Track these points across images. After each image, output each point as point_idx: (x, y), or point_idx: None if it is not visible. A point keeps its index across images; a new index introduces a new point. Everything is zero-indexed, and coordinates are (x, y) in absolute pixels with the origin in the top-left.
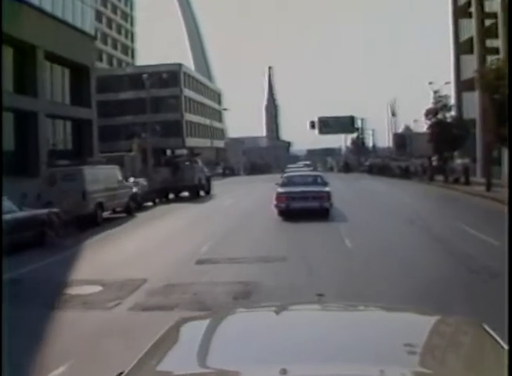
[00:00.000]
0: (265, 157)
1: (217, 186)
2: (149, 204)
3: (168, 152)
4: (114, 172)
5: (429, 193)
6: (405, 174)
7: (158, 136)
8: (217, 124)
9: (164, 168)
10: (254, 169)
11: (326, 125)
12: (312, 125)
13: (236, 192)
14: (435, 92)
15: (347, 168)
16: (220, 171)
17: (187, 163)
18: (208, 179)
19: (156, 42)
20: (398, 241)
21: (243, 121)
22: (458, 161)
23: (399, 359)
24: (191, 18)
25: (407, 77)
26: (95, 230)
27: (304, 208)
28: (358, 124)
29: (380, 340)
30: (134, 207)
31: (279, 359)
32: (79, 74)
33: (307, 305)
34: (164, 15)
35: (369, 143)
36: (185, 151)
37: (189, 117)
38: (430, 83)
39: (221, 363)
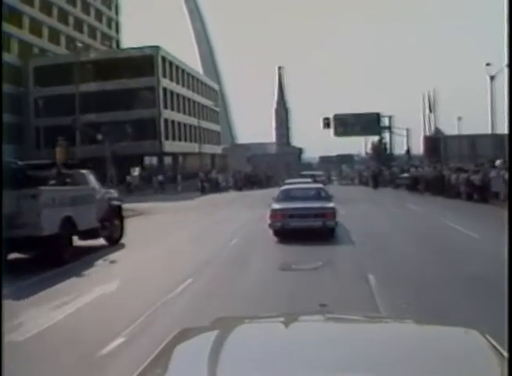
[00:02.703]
0: (274, 165)
1: (167, 212)
2: None
3: (148, 159)
4: None
5: None
6: (480, 192)
7: (129, 139)
8: (211, 126)
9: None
10: (250, 182)
11: (344, 124)
12: (327, 124)
13: (180, 236)
14: (492, 78)
15: (375, 181)
16: (199, 185)
17: (51, 183)
18: (116, 213)
19: (163, 43)
20: None
21: (251, 125)
22: None
23: (402, 370)
24: (198, 17)
25: (441, 67)
26: None
27: (304, 228)
28: (385, 123)
29: (383, 351)
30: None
31: (283, 371)
32: None
33: (310, 316)
34: (170, 15)
35: (395, 148)
36: (153, 159)
37: (169, 114)
38: (488, 64)
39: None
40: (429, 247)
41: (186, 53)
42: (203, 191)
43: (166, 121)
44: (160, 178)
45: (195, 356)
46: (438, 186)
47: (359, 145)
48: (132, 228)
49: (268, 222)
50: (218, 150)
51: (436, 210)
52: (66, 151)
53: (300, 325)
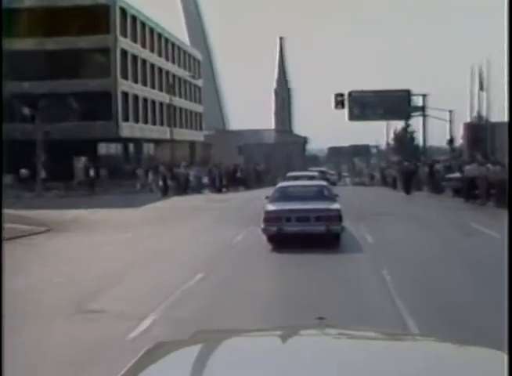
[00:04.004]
0: (272, 157)
1: (82, 230)
2: None
3: (105, 147)
4: None
5: None
6: None
7: (74, 119)
8: (190, 106)
9: None
10: (235, 179)
11: (362, 105)
12: (340, 102)
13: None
14: None
15: (408, 182)
16: (160, 183)
17: None
18: None
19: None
20: None
21: (244, 108)
22: None
23: None
24: None
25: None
26: None
27: (304, 233)
28: (417, 102)
29: (391, 373)
30: None
31: None
32: None
33: (305, 330)
34: None
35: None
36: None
37: (129, 87)
38: None
39: None
40: None
41: (169, 17)
42: (165, 192)
43: (125, 95)
44: (104, 172)
45: (169, 374)
46: (504, 193)
47: (379, 133)
48: None
49: (262, 226)
50: (199, 136)
51: None
52: None
53: (292, 341)
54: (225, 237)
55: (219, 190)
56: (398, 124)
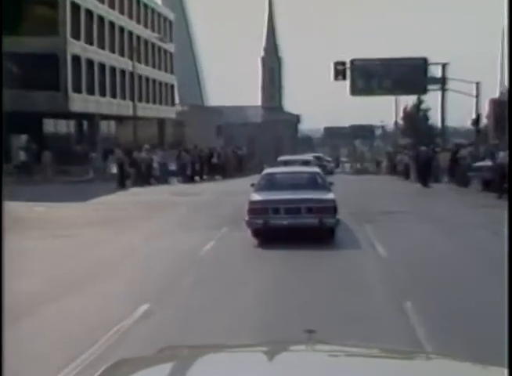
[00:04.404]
0: (258, 138)
1: None
2: None
3: (51, 123)
4: None
5: None
6: None
7: (14, 87)
8: (159, 76)
9: None
10: (211, 167)
11: (367, 76)
12: (341, 72)
13: None
14: None
15: (425, 172)
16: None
17: None
18: None
19: None
20: None
21: (226, 81)
22: None
23: None
24: None
25: None
26: None
27: (294, 227)
28: (435, 74)
29: None
30: None
31: None
32: None
33: (292, 346)
34: None
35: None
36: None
37: (81, 49)
38: None
39: None
40: None
41: None
42: (122, 183)
43: (77, 59)
44: (48, 155)
45: None
46: None
47: (384, 112)
48: None
49: (246, 218)
50: (170, 113)
51: None
52: None
53: (276, 359)
54: (190, 245)
55: (191, 180)
56: (410, 100)
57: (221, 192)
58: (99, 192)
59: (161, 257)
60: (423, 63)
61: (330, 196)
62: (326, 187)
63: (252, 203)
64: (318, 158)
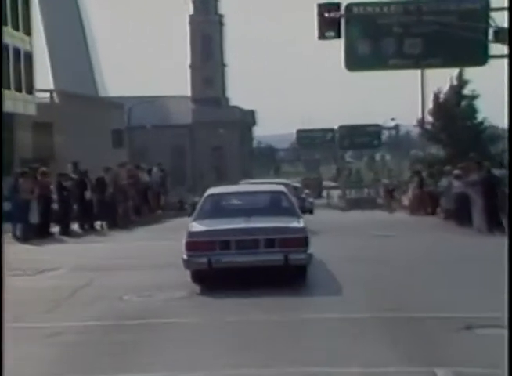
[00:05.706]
0: (187, 150)
1: None
2: None
3: None
4: None
5: None
6: None
7: None
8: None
9: None
10: (81, 209)
11: (377, 32)
12: (330, 25)
13: None
14: None
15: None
16: None
17: None
18: None
19: None
20: None
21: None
22: None
23: None
24: None
25: None
26: None
27: (251, 266)
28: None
29: None
30: None
31: None
32: None
33: None
34: None
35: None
36: None
37: None
38: None
39: None
40: None
41: None
42: None
43: None
44: None
45: None
46: None
47: (397, 104)
48: None
49: (184, 257)
50: (27, 107)
51: None
52: None
53: None
54: None
55: (38, 234)
56: (441, 81)
57: (91, 277)
58: None
59: None
60: (485, 7)
61: (299, 224)
62: (295, 212)
63: (192, 235)
64: (289, 187)
